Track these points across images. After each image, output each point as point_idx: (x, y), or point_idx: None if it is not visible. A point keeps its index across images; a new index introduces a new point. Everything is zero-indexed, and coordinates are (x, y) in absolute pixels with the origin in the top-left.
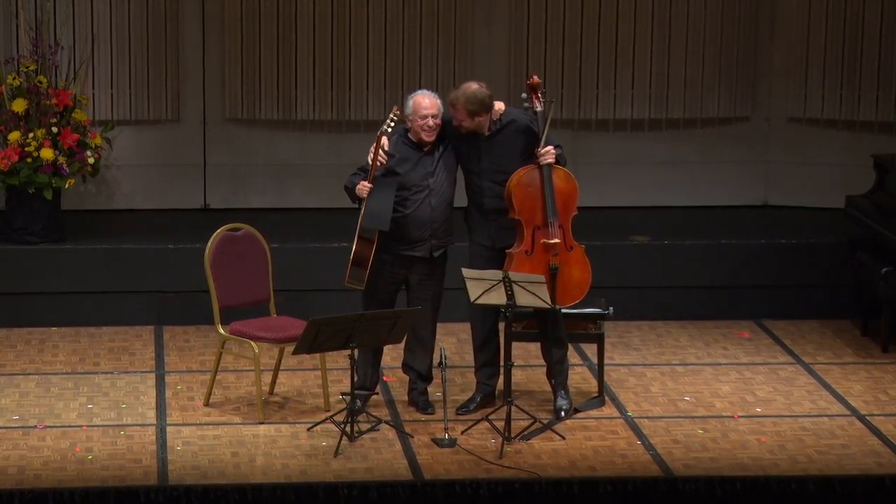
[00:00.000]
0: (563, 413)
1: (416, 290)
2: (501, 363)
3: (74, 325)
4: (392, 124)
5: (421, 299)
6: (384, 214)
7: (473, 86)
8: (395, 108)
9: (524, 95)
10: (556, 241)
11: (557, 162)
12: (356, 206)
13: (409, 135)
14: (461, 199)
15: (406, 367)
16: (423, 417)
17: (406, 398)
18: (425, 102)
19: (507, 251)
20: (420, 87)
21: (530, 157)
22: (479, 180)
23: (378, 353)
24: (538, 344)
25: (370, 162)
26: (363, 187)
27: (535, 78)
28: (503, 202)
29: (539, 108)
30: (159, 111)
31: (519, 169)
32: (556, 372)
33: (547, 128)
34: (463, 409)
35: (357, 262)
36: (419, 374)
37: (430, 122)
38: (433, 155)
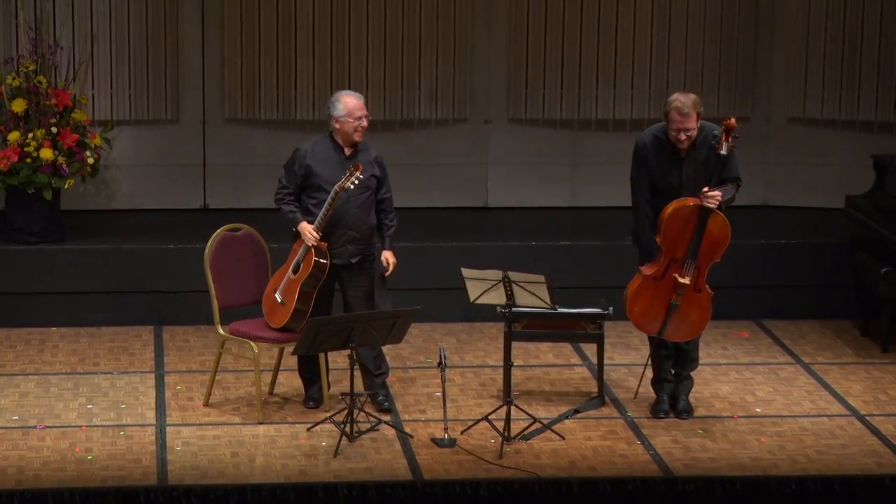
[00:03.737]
0: (684, 415)
1: (347, 290)
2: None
3: (74, 325)
4: (356, 182)
5: (353, 297)
6: None
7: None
8: (357, 167)
9: (715, 133)
10: (686, 282)
11: (719, 207)
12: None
13: (335, 136)
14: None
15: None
16: (423, 417)
17: (406, 398)
18: (358, 104)
19: (639, 266)
20: (420, 88)
21: (728, 170)
22: (678, 194)
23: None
24: (538, 344)
25: (324, 211)
26: (309, 235)
27: (734, 121)
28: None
29: (723, 151)
30: (159, 111)
31: (682, 198)
32: (685, 381)
33: (719, 175)
34: (654, 412)
35: (298, 312)
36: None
37: (364, 122)
38: (353, 160)
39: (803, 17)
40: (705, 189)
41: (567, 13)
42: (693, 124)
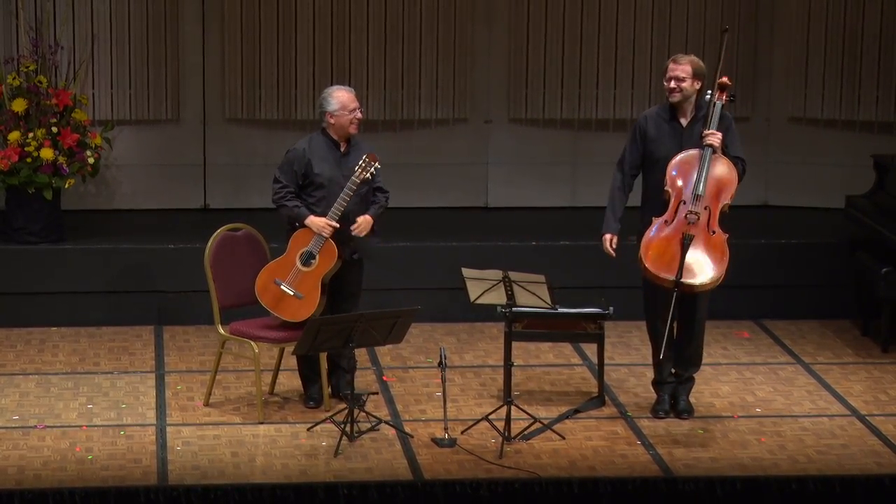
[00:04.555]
0: (685, 415)
1: (342, 287)
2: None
3: (74, 325)
4: (374, 172)
5: (349, 293)
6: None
7: None
8: (373, 157)
9: (710, 92)
10: (696, 209)
11: (724, 151)
12: (295, 226)
13: (329, 132)
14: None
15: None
16: (424, 417)
17: (406, 398)
18: (350, 96)
19: (652, 218)
20: (420, 87)
21: (727, 146)
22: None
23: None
24: (538, 344)
25: (340, 204)
26: (328, 227)
27: (727, 79)
28: None
29: (719, 101)
30: (159, 111)
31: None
32: (686, 381)
33: (716, 120)
34: (654, 412)
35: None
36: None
37: (358, 114)
38: (349, 156)
39: (803, 16)
40: (703, 130)
41: (567, 13)
42: (684, 73)
